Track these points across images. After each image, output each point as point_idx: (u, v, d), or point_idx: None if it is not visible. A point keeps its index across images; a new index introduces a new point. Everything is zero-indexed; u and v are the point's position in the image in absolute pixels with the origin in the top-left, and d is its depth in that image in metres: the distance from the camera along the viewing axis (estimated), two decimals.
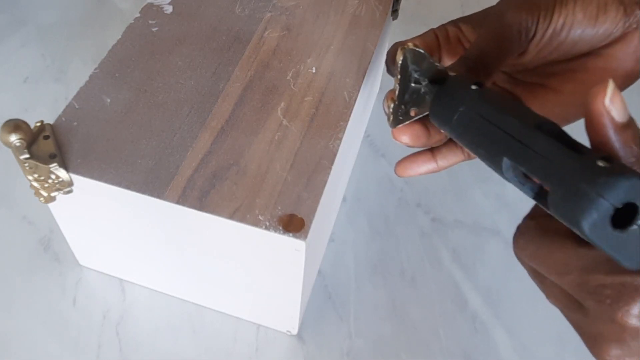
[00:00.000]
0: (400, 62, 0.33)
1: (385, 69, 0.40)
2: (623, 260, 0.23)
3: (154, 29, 0.48)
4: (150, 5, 0.50)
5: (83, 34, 0.70)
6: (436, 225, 0.55)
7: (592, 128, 0.25)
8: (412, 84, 0.33)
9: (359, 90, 0.44)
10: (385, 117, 0.36)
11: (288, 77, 0.45)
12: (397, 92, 0.34)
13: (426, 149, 0.37)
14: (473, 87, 0.30)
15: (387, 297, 0.51)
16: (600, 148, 0.25)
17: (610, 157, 0.23)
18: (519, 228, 0.29)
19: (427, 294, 0.51)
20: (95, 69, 0.45)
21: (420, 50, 0.33)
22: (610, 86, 0.24)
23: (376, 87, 0.63)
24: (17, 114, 0.44)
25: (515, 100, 0.30)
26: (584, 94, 0.35)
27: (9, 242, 0.52)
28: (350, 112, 0.43)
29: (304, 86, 0.44)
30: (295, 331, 0.48)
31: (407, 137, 0.35)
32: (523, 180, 0.27)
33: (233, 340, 0.48)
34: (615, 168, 0.23)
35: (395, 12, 0.55)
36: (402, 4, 0.55)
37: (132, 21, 0.48)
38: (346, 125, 0.42)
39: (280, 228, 0.36)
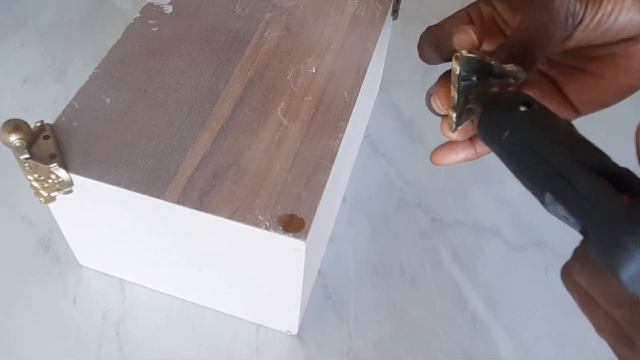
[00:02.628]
0: (457, 72, 0.31)
1: (419, 54, 0.37)
2: None
3: (154, 29, 0.48)
4: (150, 5, 0.50)
5: (83, 34, 0.70)
6: (436, 225, 0.55)
7: None
8: (462, 82, 0.31)
9: (359, 90, 0.44)
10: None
11: (288, 77, 0.45)
12: (456, 100, 0.32)
13: None
14: (522, 108, 0.28)
15: (387, 297, 0.51)
16: None
17: None
18: (576, 250, 0.27)
19: (427, 294, 0.51)
20: (95, 69, 0.45)
21: (475, 56, 0.31)
22: None
23: (376, 87, 0.63)
24: (17, 114, 0.44)
25: (566, 123, 0.28)
26: (625, 80, 0.33)
27: (9, 242, 0.52)
28: (350, 112, 0.43)
29: (304, 86, 0.44)
30: (295, 331, 0.48)
31: (456, 134, 0.34)
32: (567, 215, 0.25)
33: (233, 340, 0.48)
34: None
35: (395, 12, 0.55)
36: (402, 4, 0.55)
37: (132, 21, 0.48)
38: (346, 125, 0.42)
39: (280, 228, 0.36)
